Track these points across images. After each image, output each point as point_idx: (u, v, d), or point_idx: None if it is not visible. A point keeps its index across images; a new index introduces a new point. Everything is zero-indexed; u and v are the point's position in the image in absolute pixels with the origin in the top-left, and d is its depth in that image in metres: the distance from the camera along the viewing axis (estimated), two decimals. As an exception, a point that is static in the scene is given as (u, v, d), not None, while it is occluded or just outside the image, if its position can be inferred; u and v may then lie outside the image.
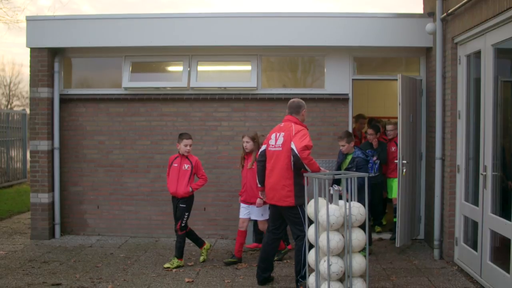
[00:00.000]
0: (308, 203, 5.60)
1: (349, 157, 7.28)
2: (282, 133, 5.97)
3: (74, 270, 6.73)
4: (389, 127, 8.59)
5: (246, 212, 7.17)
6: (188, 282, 6.31)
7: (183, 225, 6.91)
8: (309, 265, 5.61)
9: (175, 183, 6.92)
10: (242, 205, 7.22)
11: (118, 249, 7.86)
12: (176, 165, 6.97)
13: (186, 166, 6.93)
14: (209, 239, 8.45)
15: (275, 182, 5.94)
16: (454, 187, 6.98)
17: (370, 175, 8.24)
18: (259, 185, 6.35)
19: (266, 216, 7.01)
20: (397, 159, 8.02)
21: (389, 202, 9.01)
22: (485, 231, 5.94)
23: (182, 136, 6.96)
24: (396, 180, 8.00)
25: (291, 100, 6.21)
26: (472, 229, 6.61)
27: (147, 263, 7.14)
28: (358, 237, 5.27)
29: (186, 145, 6.89)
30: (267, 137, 6.22)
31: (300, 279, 5.94)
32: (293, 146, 5.77)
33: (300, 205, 5.88)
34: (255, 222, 7.50)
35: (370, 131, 8.58)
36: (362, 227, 5.38)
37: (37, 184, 8.49)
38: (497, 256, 5.84)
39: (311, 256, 5.51)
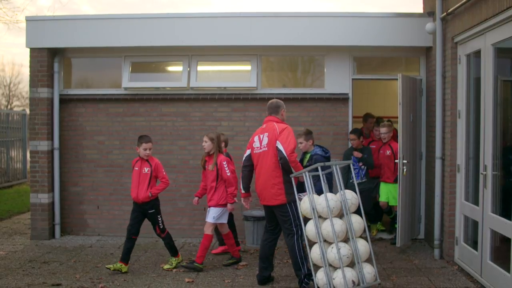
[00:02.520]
0: (301, 200, 5.78)
1: (308, 156, 7.21)
2: (266, 134, 5.99)
3: (74, 271, 6.73)
4: (383, 129, 8.18)
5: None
6: (188, 282, 6.30)
7: (161, 227, 6.78)
8: (313, 263, 5.61)
9: (136, 187, 6.69)
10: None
11: (118, 249, 7.85)
12: (137, 168, 6.74)
13: (146, 169, 6.68)
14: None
15: (265, 182, 5.95)
16: (454, 187, 6.98)
17: (357, 182, 8.00)
18: (243, 191, 6.29)
19: (222, 220, 6.83)
20: (392, 164, 7.97)
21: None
22: (485, 230, 5.94)
23: (141, 139, 6.72)
24: (392, 185, 7.95)
25: (270, 101, 6.28)
26: (472, 228, 6.61)
27: (147, 263, 7.14)
28: (358, 220, 5.61)
29: (145, 149, 6.66)
30: (250, 141, 6.21)
31: (305, 280, 5.87)
32: (280, 148, 5.80)
33: (289, 203, 5.91)
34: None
35: (351, 136, 8.06)
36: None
37: (37, 185, 8.48)
38: (497, 255, 5.83)
39: (314, 252, 5.54)
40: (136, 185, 6.69)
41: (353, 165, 7.84)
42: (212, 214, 6.78)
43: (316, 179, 6.13)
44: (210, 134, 6.85)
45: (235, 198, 6.81)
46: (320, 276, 5.50)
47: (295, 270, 6.00)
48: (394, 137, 9.74)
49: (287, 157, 5.76)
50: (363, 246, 5.55)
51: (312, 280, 5.74)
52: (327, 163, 5.81)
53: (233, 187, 6.72)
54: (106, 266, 6.65)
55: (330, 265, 5.50)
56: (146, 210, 6.71)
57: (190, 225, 8.55)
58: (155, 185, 6.76)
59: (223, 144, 7.18)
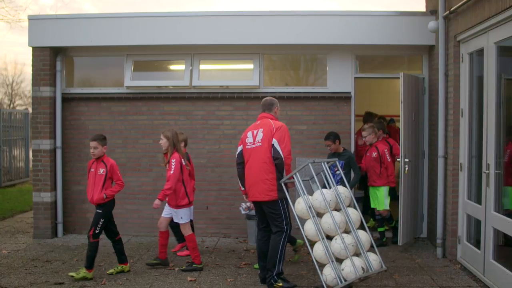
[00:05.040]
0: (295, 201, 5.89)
1: None
2: (261, 129, 5.99)
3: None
4: (364, 133, 7.97)
5: (168, 212, 6.87)
6: (190, 281, 6.30)
7: (96, 232, 6.31)
8: (317, 262, 5.63)
9: (91, 189, 6.40)
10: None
11: (121, 248, 7.86)
12: (93, 170, 6.44)
13: (101, 170, 6.36)
14: (212, 238, 8.45)
15: (256, 177, 5.92)
16: (457, 185, 6.96)
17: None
18: (243, 189, 6.23)
19: (186, 220, 6.71)
20: (378, 166, 7.83)
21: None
22: (488, 229, 5.93)
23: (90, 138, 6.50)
24: (381, 188, 7.79)
25: (264, 98, 6.32)
26: (475, 227, 6.60)
27: (185, 265, 7.08)
28: (353, 212, 5.80)
29: (90, 148, 6.41)
30: (242, 137, 6.18)
31: (275, 277, 5.84)
32: (278, 148, 5.81)
33: (281, 199, 5.91)
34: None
35: (326, 142, 7.63)
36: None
37: (39, 183, 8.49)
38: (500, 254, 5.83)
39: (318, 249, 5.57)
40: (92, 186, 6.40)
41: (331, 169, 7.33)
42: (180, 215, 6.68)
43: None
44: (165, 132, 6.67)
45: (166, 198, 6.59)
46: (327, 272, 5.51)
47: (269, 267, 5.90)
48: (396, 136, 9.70)
49: (283, 159, 5.80)
50: (364, 236, 5.69)
51: (282, 278, 5.84)
52: (316, 161, 5.92)
53: (169, 186, 6.46)
54: (108, 272, 6.55)
55: (335, 259, 5.54)
56: (96, 209, 6.42)
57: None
58: (110, 186, 6.46)
59: (182, 144, 7.12)
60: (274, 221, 5.95)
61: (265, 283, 6.12)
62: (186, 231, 6.74)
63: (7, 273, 6.57)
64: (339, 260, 5.58)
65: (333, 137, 7.57)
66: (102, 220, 6.37)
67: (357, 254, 5.63)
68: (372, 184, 7.93)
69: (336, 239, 5.56)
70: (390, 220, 8.02)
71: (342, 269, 5.45)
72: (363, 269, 5.45)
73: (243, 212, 7.29)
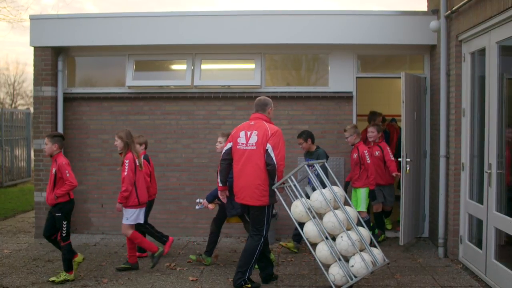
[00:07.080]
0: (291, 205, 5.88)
1: None
2: (255, 132, 5.83)
3: (78, 269, 6.73)
4: (346, 134, 7.75)
5: None
6: (192, 280, 6.30)
7: (63, 235, 6.14)
8: (322, 262, 5.63)
9: (47, 189, 6.26)
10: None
11: (122, 247, 7.86)
12: (50, 169, 6.26)
13: (54, 170, 6.13)
14: (213, 238, 8.45)
15: (249, 181, 5.78)
16: (459, 185, 6.96)
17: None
18: (220, 185, 6.10)
19: (131, 221, 6.52)
20: (358, 167, 7.67)
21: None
22: (490, 229, 5.92)
23: None
24: (359, 190, 7.64)
25: (258, 98, 6.14)
26: (477, 227, 6.60)
27: (151, 261, 7.13)
28: (350, 209, 5.82)
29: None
30: (233, 135, 5.99)
31: (243, 282, 5.77)
32: (271, 154, 5.69)
33: (268, 205, 5.84)
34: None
35: (298, 140, 7.55)
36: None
37: (41, 183, 8.50)
38: (502, 254, 5.82)
39: (321, 249, 5.57)
40: (48, 186, 6.27)
41: (313, 166, 7.08)
42: (126, 216, 6.55)
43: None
44: (119, 132, 6.57)
45: (125, 200, 6.46)
46: (335, 271, 5.49)
47: (241, 269, 5.81)
48: (395, 134, 9.65)
49: (276, 165, 5.69)
50: (364, 231, 5.72)
51: (249, 279, 5.80)
52: (310, 162, 5.95)
53: (125, 188, 6.38)
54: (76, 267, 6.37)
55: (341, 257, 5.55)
56: (54, 213, 6.19)
57: (194, 224, 8.55)
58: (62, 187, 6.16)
59: (143, 146, 7.11)
60: (256, 225, 5.87)
61: (266, 282, 6.14)
62: (127, 232, 6.56)
63: (8, 273, 6.58)
64: (345, 258, 5.58)
65: (305, 135, 7.50)
66: (65, 222, 6.17)
67: (361, 250, 5.61)
68: (352, 186, 7.82)
69: (341, 236, 5.53)
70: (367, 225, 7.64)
71: (352, 266, 5.45)
72: (372, 263, 5.46)
73: (197, 207, 6.94)
